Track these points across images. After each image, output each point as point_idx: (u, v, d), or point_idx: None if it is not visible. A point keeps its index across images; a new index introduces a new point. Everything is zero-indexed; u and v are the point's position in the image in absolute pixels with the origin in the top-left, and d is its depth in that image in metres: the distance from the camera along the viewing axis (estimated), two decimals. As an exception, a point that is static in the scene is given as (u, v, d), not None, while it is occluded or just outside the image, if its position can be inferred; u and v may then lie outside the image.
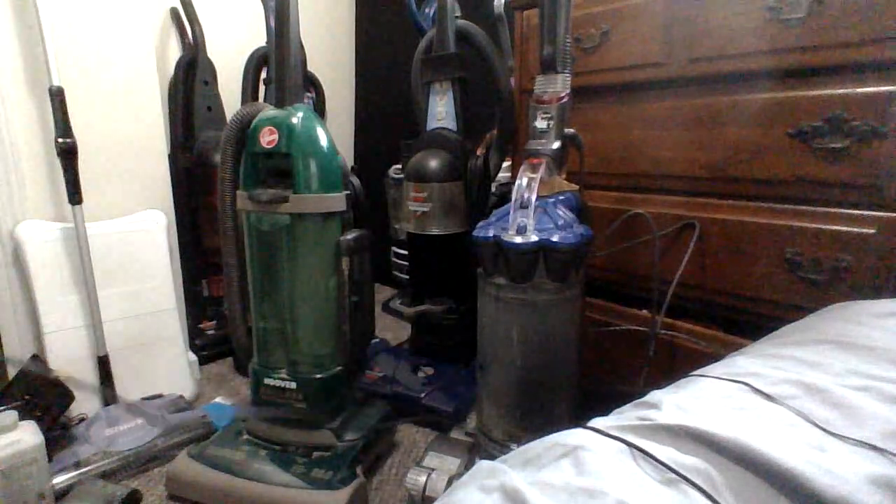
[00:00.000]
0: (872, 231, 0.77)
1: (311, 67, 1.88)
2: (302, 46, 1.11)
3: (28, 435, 0.93)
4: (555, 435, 0.45)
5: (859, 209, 0.79)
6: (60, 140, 1.15)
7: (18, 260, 1.18)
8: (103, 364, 1.24)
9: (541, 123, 0.93)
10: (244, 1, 1.83)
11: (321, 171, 0.97)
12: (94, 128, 1.26)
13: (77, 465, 1.03)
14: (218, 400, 1.36)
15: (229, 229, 1.04)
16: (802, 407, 0.43)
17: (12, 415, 0.93)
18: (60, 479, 0.99)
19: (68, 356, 1.20)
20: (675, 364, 0.98)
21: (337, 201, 0.99)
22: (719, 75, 0.91)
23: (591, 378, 1.09)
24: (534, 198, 0.85)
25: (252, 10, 1.78)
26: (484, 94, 1.35)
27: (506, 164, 1.40)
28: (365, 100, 2.36)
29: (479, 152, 1.37)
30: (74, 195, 1.19)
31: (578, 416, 0.94)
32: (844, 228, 0.80)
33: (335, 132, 1.12)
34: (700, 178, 0.95)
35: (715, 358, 0.59)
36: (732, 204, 0.92)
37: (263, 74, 1.74)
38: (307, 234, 0.98)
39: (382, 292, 2.17)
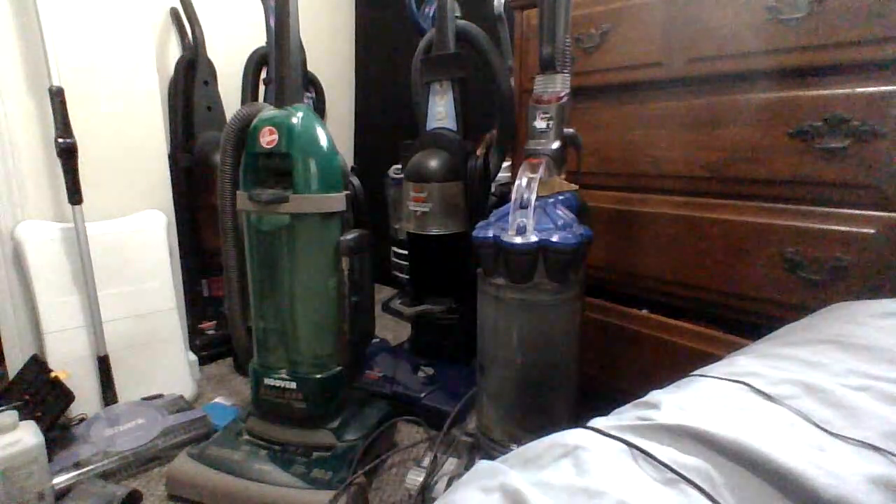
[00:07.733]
0: (872, 231, 0.77)
1: (311, 67, 1.88)
2: (302, 46, 1.11)
3: (28, 435, 0.93)
4: (555, 435, 0.45)
5: (859, 209, 0.79)
6: (60, 140, 1.15)
7: (18, 260, 1.18)
8: (103, 364, 1.24)
9: (540, 123, 0.93)
10: (244, 1, 1.83)
11: (321, 171, 0.97)
12: (94, 128, 1.26)
13: (77, 465, 1.03)
14: (218, 400, 1.36)
15: (229, 229, 1.04)
16: (802, 407, 0.43)
17: (12, 415, 0.93)
18: (60, 479, 0.99)
19: (68, 356, 1.20)
20: (675, 364, 0.98)
21: (337, 201, 0.99)
22: (719, 75, 0.91)
23: (591, 378, 1.09)
24: (533, 198, 0.85)
25: (252, 10, 1.78)
26: (484, 94, 1.35)
27: (506, 164, 1.40)
28: (365, 100, 2.36)
29: (479, 152, 1.37)
30: (74, 195, 1.19)
31: (578, 416, 0.94)
32: (844, 228, 0.80)
33: (335, 132, 1.12)
34: (700, 177, 0.95)
35: (715, 358, 0.59)
36: (732, 204, 0.92)
37: (263, 74, 1.73)
38: (307, 234, 0.98)
39: (382, 292, 2.17)
